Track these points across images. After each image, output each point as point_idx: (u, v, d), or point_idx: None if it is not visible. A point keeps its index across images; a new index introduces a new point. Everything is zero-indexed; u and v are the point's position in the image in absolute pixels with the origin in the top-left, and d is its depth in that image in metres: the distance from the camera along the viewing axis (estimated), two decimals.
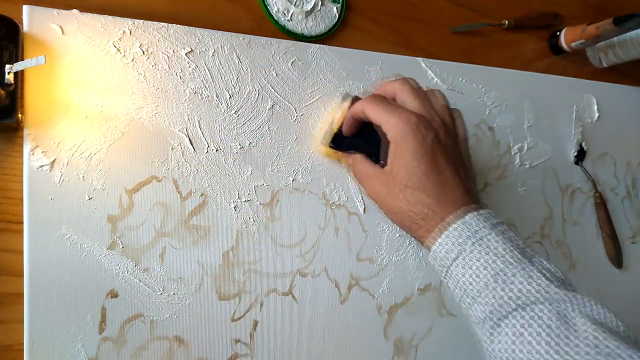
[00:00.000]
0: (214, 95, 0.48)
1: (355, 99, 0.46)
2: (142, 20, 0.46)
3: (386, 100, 0.43)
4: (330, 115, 0.50)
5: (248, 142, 0.49)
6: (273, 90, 0.51)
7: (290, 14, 0.53)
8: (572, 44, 0.67)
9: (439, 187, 0.40)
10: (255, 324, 0.48)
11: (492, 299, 0.37)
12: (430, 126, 0.41)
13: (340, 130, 0.46)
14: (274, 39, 0.51)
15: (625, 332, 0.36)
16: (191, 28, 0.48)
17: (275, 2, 0.52)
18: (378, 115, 0.41)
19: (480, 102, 0.61)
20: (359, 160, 0.45)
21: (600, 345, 0.33)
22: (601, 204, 0.68)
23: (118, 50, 0.45)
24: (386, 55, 0.56)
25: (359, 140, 0.46)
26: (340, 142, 0.47)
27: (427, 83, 0.58)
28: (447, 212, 0.39)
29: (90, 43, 0.44)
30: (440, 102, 0.43)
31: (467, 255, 0.38)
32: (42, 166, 0.42)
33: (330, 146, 0.47)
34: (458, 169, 0.41)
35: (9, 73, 0.38)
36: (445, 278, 0.40)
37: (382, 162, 0.43)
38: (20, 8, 0.42)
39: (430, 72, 0.58)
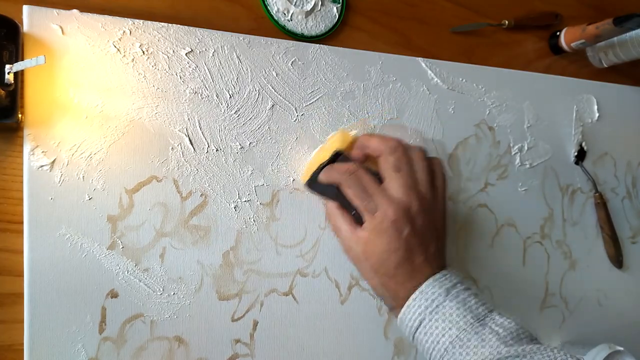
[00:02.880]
0: (214, 95, 0.48)
1: (337, 154, 0.48)
2: (142, 21, 0.46)
3: (364, 186, 0.44)
4: (317, 154, 0.51)
5: (248, 142, 0.49)
6: (273, 90, 0.51)
7: (290, 14, 0.53)
8: (572, 44, 0.67)
9: (408, 275, 0.43)
10: (256, 324, 0.48)
11: None
12: (408, 217, 0.43)
13: (318, 172, 0.48)
14: (274, 39, 0.51)
15: None
16: (191, 28, 0.48)
17: (275, 2, 0.52)
18: (357, 203, 0.44)
19: (480, 102, 0.61)
20: (336, 214, 0.47)
21: None
22: (601, 204, 0.68)
23: (118, 50, 0.45)
24: (386, 55, 0.56)
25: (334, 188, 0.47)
26: (320, 184, 0.48)
27: (427, 83, 0.58)
28: (412, 287, 0.43)
29: (90, 43, 0.44)
30: (421, 164, 0.46)
31: (427, 324, 0.42)
32: (42, 166, 0.42)
33: (307, 185, 0.49)
34: (428, 247, 0.44)
35: (9, 73, 0.38)
36: (412, 342, 0.44)
37: (358, 217, 0.45)
38: (20, 8, 0.42)
39: (430, 72, 0.58)
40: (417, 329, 0.43)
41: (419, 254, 0.44)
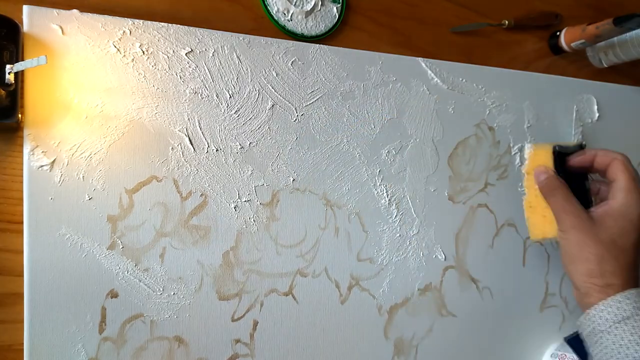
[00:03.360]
0: (214, 95, 0.48)
1: (562, 153, 0.56)
2: (142, 20, 0.46)
3: (636, 172, 0.50)
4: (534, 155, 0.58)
5: (248, 142, 0.49)
6: (273, 90, 0.51)
7: (290, 14, 0.53)
8: (572, 44, 0.67)
9: (634, 259, 0.47)
10: (256, 324, 0.48)
11: None
12: None
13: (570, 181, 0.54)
14: (274, 39, 0.51)
15: None
16: (191, 28, 0.48)
17: (275, 2, 0.52)
18: (624, 177, 0.49)
19: (480, 102, 0.61)
20: (564, 188, 0.52)
21: None
22: None
23: (118, 50, 0.45)
24: (386, 55, 0.56)
25: (569, 174, 0.55)
26: (559, 162, 0.56)
27: (427, 83, 0.58)
28: (629, 280, 0.46)
29: (90, 43, 0.44)
30: None
31: (638, 319, 0.43)
32: (42, 166, 0.42)
33: (554, 154, 0.55)
34: None
35: (9, 73, 0.38)
36: (601, 333, 0.45)
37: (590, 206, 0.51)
38: (20, 8, 0.42)
39: (430, 72, 0.58)
40: (624, 320, 0.44)
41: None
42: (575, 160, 0.55)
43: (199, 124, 0.47)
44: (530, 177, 0.56)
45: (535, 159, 0.57)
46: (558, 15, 0.70)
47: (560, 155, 0.56)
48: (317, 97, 0.53)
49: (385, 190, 0.55)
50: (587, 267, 0.47)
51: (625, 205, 0.48)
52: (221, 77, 0.49)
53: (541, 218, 0.54)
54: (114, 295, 0.44)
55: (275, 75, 0.51)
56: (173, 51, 0.47)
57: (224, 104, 0.48)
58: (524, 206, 0.57)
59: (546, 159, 0.56)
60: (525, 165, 0.57)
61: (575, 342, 0.52)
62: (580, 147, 0.57)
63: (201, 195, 0.47)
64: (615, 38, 0.66)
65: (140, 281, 0.44)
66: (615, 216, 0.48)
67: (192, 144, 0.47)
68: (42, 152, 0.42)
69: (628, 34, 0.65)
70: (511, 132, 0.63)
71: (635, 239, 0.47)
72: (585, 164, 0.55)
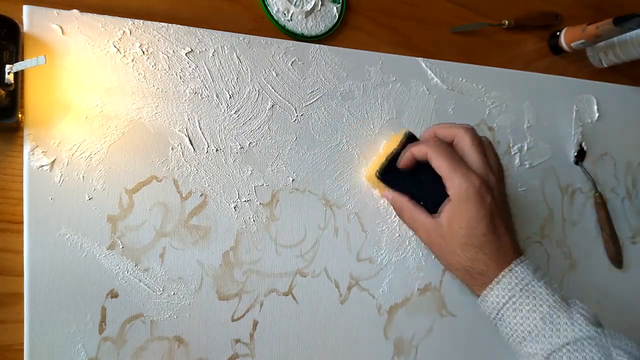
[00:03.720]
0: (214, 95, 0.48)
1: (411, 137, 0.50)
2: (142, 21, 0.46)
3: (453, 153, 0.46)
4: (386, 147, 0.53)
5: (248, 142, 0.49)
6: (273, 90, 0.51)
7: (290, 14, 0.53)
8: (572, 44, 0.67)
9: (495, 246, 0.45)
10: (255, 324, 0.48)
11: (542, 337, 0.43)
12: (489, 188, 0.45)
13: (389, 163, 0.49)
14: (274, 39, 0.51)
15: None
16: (191, 28, 0.48)
17: (275, 2, 0.52)
18: (444, 169, 0.45)
19: (480, 102, 0.61)
20: (409, 206, 0.48)
21: None
22: (601, 204, 0.68)
23: (118, 50, 0.45)
24: (386, 55, 0.56)
25: (408, 178, 0.49)
26: (389, 174, 0.50)
27: (427, 83, 0.58)
28: (500, 267, 0.45)
29: (90, 43, 0.44)
30: (493, 154, 0.48)
31: (516, 301, 0.44)
32: (42, 166, 0.42)
33: (379, 178, 0.50)
34: (508, 224, 0.47)
35: (9, 73, 0.38)
36: (495, 319, 0.46)
37: (432, 211, 0.47)
38: (20, 8, 0.42)
39: (430, 72, 0.58)
40: (505, 305, 0.45)
41: (502, 227, 0.46)
42: (401, 164, 0.49)
43: (199, 124, 0.47)
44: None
45: (378, 187, 0.53)
46: (558, 15, 0.70)
47: (387, 173, 0.50)
48: (317, 97, 0.53)
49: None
50: (461, 275, 0.48)
51: (459, 199, 0.44)
52: (221, 77, 0.49)
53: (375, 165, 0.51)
54: (114, 295, 0.44)
55: (275, 75, 0.51)
56: (173, 51, 0.47)
57: (224, 104, 0.48)
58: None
59: (383, 186, 0.51)
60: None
61: None
62: (409, 139, 0.50)
63: (201, 195, 0.47)
64: (615, 38, 0.67)
65: (140, 281, 0.44)
66: (456, 216, 0.45)
67: (192, 144, 0.47)
68: (42, 152, 0.42)
69: (628, 34, 0.65)
70: (511, 132, 0.63)
71: (485, 228, 0.44)
72: (411, 162, 0.48)
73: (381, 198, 0.54)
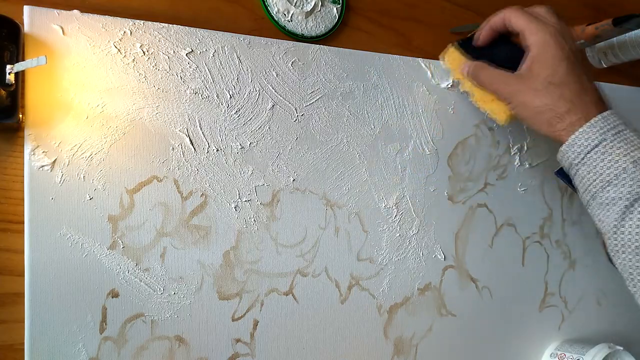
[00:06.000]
0: (215, 96, 0.48)
1: (467, 40, 0.55)
2: (142, 21, 0.46)
3: (528, 12, 0.49)
4: (448, 58, 0.57)
5: (249, 142, 0.49)
6: (273, 91, 0.51)
7: (290, 15, 0.53)
8: None
9: (578, 87, 0.46)
10: (256, 323, 0.49)
11: (630, 181, 0.42)
12: (566, 38, 0.47)
13: (468, 39, 0.54)
14: (274, 40, 0.51)
15: None
16: (192, 29, 0.48)
17: (276, 2, 0.52)
18: (522, 23, 0.48)
19: None
20: (484, 66, 0.51)
21: None
22: None
23: (119, 50, 0.45)
24: (386, 55, 0.56)
25: (486, 52, 0.53)
26: (469, 50, 0.54)
27: (426, 83, 0.58)
28: (587, 108, 0.45)
29: (91, 43, 0.44)
30: (554, 19, 0.49)
31: (608, 144, 0.44)
32: (43, 166, 0.42)
33: (461, 46, 0.54)
34: (589, 75, 0.47)
35: (9, 73, 0.38)
36: (578, 164, 0.46)
37: (512, 70, 0.49)
38: (21, 8, 0.42)
39: (430, 73, 0.58)
40: (594, 148, 0.44)
41: (583, 75, 0.46)
42: (479, 39, 0.54)
43: (200, 124, 0.47)
44: (463, 79, 0.56)
45: (453, 64, 0.56)
46: None
47: (467, 44, 0.55)
48: (317, 97, 0.53)
49: (384, 190, 0.55)
50: (545, 120, 0.47)
51: (538, 44, 0.47)
52: (221, 77, 0.49)
53: (494, 103, 0.54)
54: (114, 294, 0.44)
55: (275, 75, 0.51)
56: (174, 52, 0.47)
57: (224, 104, 0.49)
58: (478, 105, 0.56)
59: (460, 58, 0.55)
60: (452, 74, 0.58)
61: (563, 173, 0.52)
62: (470, 38, 0.56)
63: (202, 195, 0.47)
64: (614, 38, 0.67)
65: (141, 281, 0.45)
66: (538, 60, 0.47)
67: (192, 144, 0.47)
68: (43, 152, 0.42)
69: (627, 35, 0.65)
70: (511, 132, 0.63)
71: (566, 68, 0.46)
72: (489, 35, 0.53)
73: (381, 198, 0.54)
